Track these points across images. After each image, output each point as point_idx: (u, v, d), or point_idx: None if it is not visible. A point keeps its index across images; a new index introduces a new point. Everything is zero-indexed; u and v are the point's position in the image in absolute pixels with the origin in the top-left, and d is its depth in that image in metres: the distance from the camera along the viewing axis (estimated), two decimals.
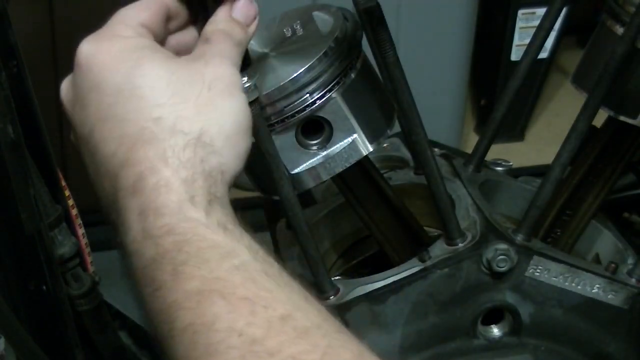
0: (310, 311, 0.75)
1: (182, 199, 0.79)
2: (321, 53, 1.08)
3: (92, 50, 0.89)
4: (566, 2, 1.34)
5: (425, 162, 1.16)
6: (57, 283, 1.10)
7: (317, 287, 1.16)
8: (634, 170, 1.45)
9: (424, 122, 1.15)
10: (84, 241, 1.18)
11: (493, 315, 1.20)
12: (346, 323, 1.16)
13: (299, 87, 1.08)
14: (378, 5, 1.07)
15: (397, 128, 1.27)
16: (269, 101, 1.08)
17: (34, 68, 1.10)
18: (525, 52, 1.33)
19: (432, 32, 2.73)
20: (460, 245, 1.17)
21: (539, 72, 2.97)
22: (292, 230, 1.16)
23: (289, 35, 1.13)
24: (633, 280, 1.20)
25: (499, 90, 2.93)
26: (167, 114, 0.82)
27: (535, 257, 1.17)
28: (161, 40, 0.95)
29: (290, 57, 1.11)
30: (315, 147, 1.11)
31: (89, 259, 1.19)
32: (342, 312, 1.15)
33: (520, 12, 2.90)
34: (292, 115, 1.09)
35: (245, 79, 1.04)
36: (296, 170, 1.11)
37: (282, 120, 1.09)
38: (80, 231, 1.18)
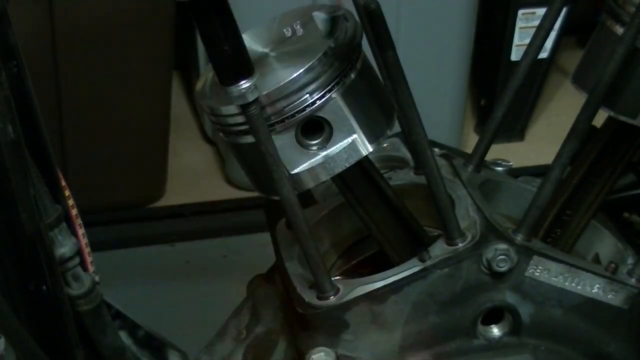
0: None
1: None
2: (321, 53, 1.08)
3: None
4: (566, 2, 1.34)
5: (425, 162, 1.16)
6: (57, 283, 1.10)
7: (317, 287, 1.16)
8: (634, 170, 1.45)
9: (424, 122, 1.15)
10: (84, 241, 1.18)
11: (493, 315, 1.20)
12: (346, 323, 1.16)
13: (299, 87, 1.08)
14: (378, 5, 1.07)
15: (397, 128, 1.27)
16: (269, 101, 1.08)
17: (34, 68, 1.10)
18: (525, 52, 1.33)
19: (432, 32, 2.73)
20: (460, 245, 1.17)
21: (539, 72, 2.97)
22: (292, 230, 1.16)
23: (289, 35, 1.14)
24: (633, 280, 1.20)
25: (499, 90, 2.93)
26: None
27: (535, 257, 1.17)
28: None
29: (290, 57, 1.11)
30: (315, 147, 1.11)
31: (89, 259, 1.19)
32: (342, 312, 1.15)
33: (520, 12, 2.90)
34: (292, 116, 1.09)
35: (245, 80, 1.04)
36: (296, 170, 1.11)
37: (282, 121, 1.09)
38: (80, 231, 1.18)
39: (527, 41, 1.35)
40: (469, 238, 1.18)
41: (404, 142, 1.42)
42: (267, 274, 1.39)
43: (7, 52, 1.05)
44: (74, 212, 1.17)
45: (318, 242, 1.18)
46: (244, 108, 1.06)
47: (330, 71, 1.09)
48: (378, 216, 1.22)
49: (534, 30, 1.35)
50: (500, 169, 1.40)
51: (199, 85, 1.16)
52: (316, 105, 1.09)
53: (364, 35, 1.14)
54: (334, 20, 1.12)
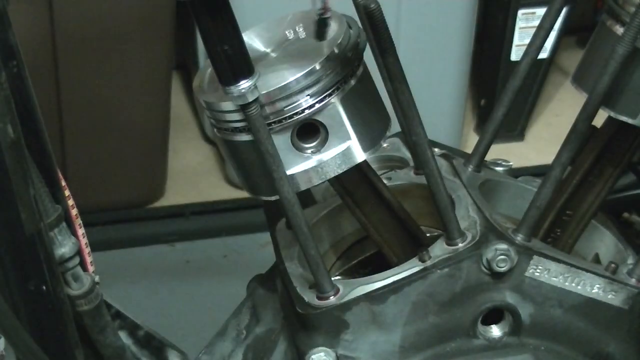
0: None
1: None
2: (324, 57, 1.08)
3: None
4: (566, 2, 1.34)
5: (425, 162, 1.16)
6: (57, 283, 1.10)
7: (317, 287, 1.16)
8: (634, 170, 1.45)
9: (424, 122, 1.15)
10: (84, 241, 1.18)
11: (493, 315, 1.20)
12: (346, 323, 1.16)
13: (300, 88, 1.08)
14: (378, 5, 1.07)
15: (397, 128, 1.27)
16: (268, 101, 1.08)
17: (34, 68, 1.10)
18: (525, 52, 1.33)
19: (432, 32, 2.73)
20: (460, 245, 1.17)
21: (539, 72, 2.97)
22: (292, 230, 1.16)
23: (291, 37, 1.14)
24: (633, 280, 1.20)
25: (499, 90, 2.93)
26: None
27: (535, 257, 1.17)
28: None
29: (291, 59, 1.11)
30: (309, 151, 1.12)
31: (89, 259, 1.19)
32: (342, 312, 1.15)
33: (520, 12, 2.90)
34: (290, 117, 1.09)
35: (245, 80, 1.04)
36: (288, 172, 1.11)
37: (280, 121, 1.09)
38: (80, 231, 1.18)
39: (527, 41, 1.35)
40: (469, 238, 1.18)
41: (404, 142, 1.42)
42: (267, 274, 1.39)
43: (7, 52, 1.05)
44: (74, 212, 1.17)
45: (318, 242, 1.18)
46: (244, 108, 1.06)
47: (331, 76, 1.09)
48: (376, 218, 1.23)
49: (534, 30, 1.35)
50: (500, 169, 1.40)
51: (197, 81, 1.16)
52: (315, 108, 1.09)
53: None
54: (323, 22, 1.12)
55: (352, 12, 1.13)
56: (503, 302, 1.19)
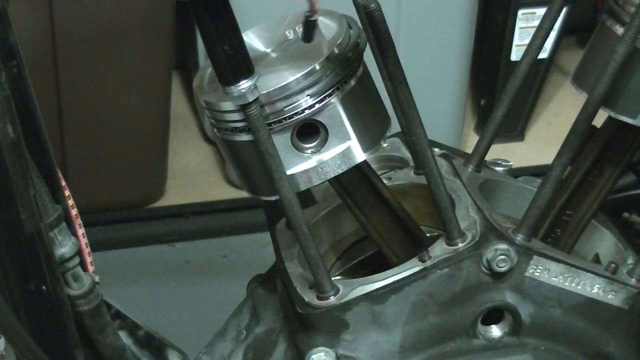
0: None
1: None
2: (324, 57, 1.08)
3: None
4: (566, 2, 1.34)
5: (425, 162, 1.16)
6: (57, 283, 1.10)
7: (317, 287, 1.16)
8: (634, 170, 1.45)
9: (424, 122, 1.15)
10: (84, 241, 1.18)
11: (493, 315, 1.20)
12: (346, 323, 1.16)
13: (300, 89, 1.08)
14: (378, 5, 1.07)
15: (397, 128, 1.27)
16: (269, 100, 1.08)
17: (34, 68, 1.10)
18: (525, 52, 1.33)
19: (432, 32, 2.73)
20: (460, 245, 1.17)
21: (539, 72, 2.97)
22: (292, 230, 1.16)
23: (291, 37, 1.14)
24: (633, 280, 1.20)
25: (499, 90, 2.93)
26: None
27: (535, 257, 1.17)
28: None
29: (292, 59, 1.11)
30: (309, 151, 1.12)
31: (89, 259, 1.19)
32: (342, 312, 1.15)
33: (520, 12, 2.90)
34: (290, 117, 1.09)
35: (245, 80, 1.04)
36: (288, 173, 1.11)
37: (280, 121, 1.09)
38: (80, 231, 1.18)
39: (527, 41, 1.35)
40: (469, 238, 1.18)
41: (404, 142, 1.42)
42: (267, 274, 1.39)
43: (7, 52, 1.05)
44: (74, 212, 1.17)
45: (318, 242, 1.18)
46: (244, 108, 1.06)
47: (331, 76, 1.09)
48: (376, 218, 1.23)
49: (534, 30, 1.35)
50: (500, 169, 1.40)
51: (197, 80, 1.16)
52: (315, 108, 1.09)
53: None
54: (310, 24, 1.12)
55: (352, 12, 1.13)
56: (503, 302, 1.19)
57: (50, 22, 2.49)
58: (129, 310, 1.31)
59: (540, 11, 2.80)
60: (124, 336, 1.28)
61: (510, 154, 2.92)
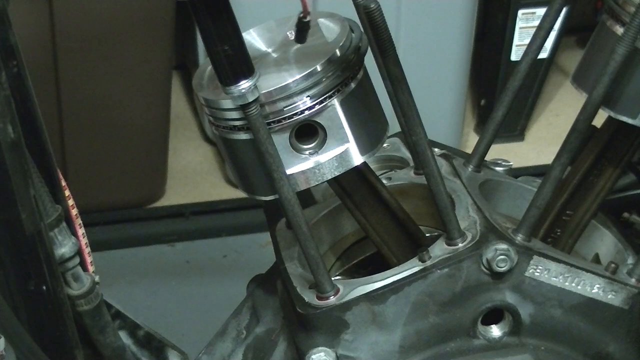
0: None
1: None
2: (326, 59, 1.08)
3: None
4: (566, 2, 1.34)
5: (425, 162, 1.16)
6: (57, 283, 1.10)
7: (317, 287, 1.16)
8: (634, 170, 1.45)
9: (424, 122, 1.15)
10: (84, 241, 1.18)
11: (493, 315, 1.20)
12: (346, 323, 1.16)
13: (300, 89, 1.08)
14: (378, 5, 1.07)
15: (397, 128, 1.27)
16: (269, 100, 1.08)
17: (34, 68, 1.10)
18: (525, 52, 1.33)
19: (432, 32, 2.73)
20: (460, 245, 1.17)
21: (539, 72, 2.97)
22: (292, 230, 1.16)
23: (292, 38, 1.14)
24: (633, 280, 1.20)
25: (499, 90, 2.93)
26: None
27: (535, 257, 1.17)
28: None
29: (292, 60, 1.11)
30: (307, 152, 1.12)
31: (89, 259, 1.19)
32: (342, 312, 1.15)
33: (520, 12, 2.90)
34: (290, 117, 1.09)
35: (245, 80, 1.04)
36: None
37: (279, 121, 1.10)
38: (80, 231, 1.18)
39: (527, 41, 1.35)
40: (469, 238, 1.18)
41: (404, 142, 1.42)
42: (267, 274, 1.39)
43: (7, 52, 1.05)
44: (74, 212, 1.17)
45: (318, 242, 1.18)
46: (244, 108, 1.06)
47: (332, 78, 1.09)
48: (375, 219, 1.23)
49: (534, 30, 1.35)
50: (500, 169, 1.40)
51: (196, 78, 1.16)
52: (314, 109, 1.09)
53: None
54: (303, 25, 1.12)
55: (352, 12, 1.13)
56: (503, 302, 1.19)
57: (50, 22, 2.49)
58: (129, 310, 1.31)
59: (540, 11, 2.80)
60: (124, 336, 1.28)
61: (510, 154, 2.92)
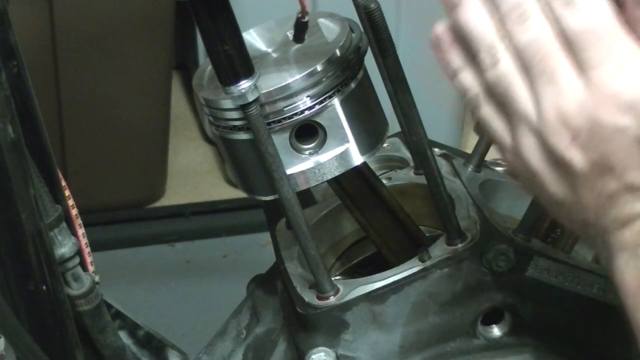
0: None
1: None
2: (326, 59, 1.08)
3: None
4: None
5: (425, 162, 1.16)
6: (57, 283, 1.10)
7: (317, 287, 1.16)
8: None
9: (424, 122, 1.15)
10: (84, 241, 1.18)
11: (493, 315, 1.20)
12: (346, 323, 1.16)
13: (300, 89, 1.08)
14: (378, 4, 1.07)
15: (397, 128, 1.27)
16: (269, 100, 1.08)
17: (34, 68, 1.10)
18: None
19: None
20: (460, 245, 1.17)
21: None
22: (292, 230, 1.16)
23: (292, 38, 1.14)
24: None
25: None
26: None
27: (535, 257, 1.17)
28: None
29: (292, 60, 1.11)
30: (307, 152, 1.12)
31: (89, 259, 1.19)
32: (342, 312, 1.15)
33: None
34: (290, 117, 1.09)
35: (245, 80, 1.04)
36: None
37: (279, 121, 1.09)
38: (80, 231, 1.18)
39: None
40: (469, 238, 1.18)
41: (404, 142, 1.42)
42: (267, 274, 1.39)
43: (7, 52, 1.05)
44: (74, 212, 1.17)
45: (318, 242, 1.18)
46: (244, 108, 1.06)
47: (332, 78, 1.09)
48: (375, 219, 1.23)
49: None
50: (500, 169, 1.40)
51: (196, 78, 1.16)
52: (314, 109, 1.09)
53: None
54: (302, 25, 1.12)
55: (352, 12, 1.13)
56: (503, 302, 1.19)
57: (50, 22, 2.49)
58: (129, 310, 1.31)
59: None
60: (124, 336, 1.28)
61: None
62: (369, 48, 1.15)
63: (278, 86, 1.08)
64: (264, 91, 1.07)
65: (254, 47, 1.14)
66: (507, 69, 0.86)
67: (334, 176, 1.13)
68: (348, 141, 1.12)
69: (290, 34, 1.14)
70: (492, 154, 1.38)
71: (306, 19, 1.11)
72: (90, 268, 1.19)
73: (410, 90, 1.13)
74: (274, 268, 1.34)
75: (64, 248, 1.12)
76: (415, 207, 1.31)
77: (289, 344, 1.27)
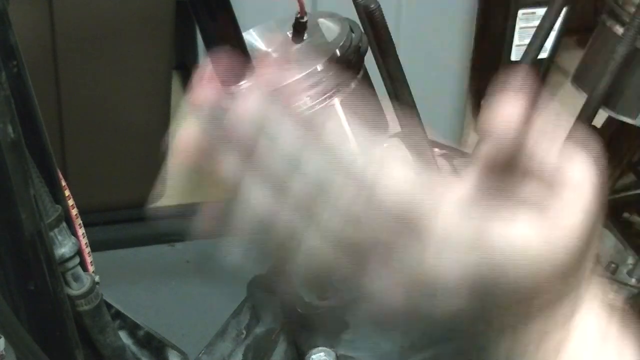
0: None
1: None
2: (326, 59, 1.08)
3: None
4: (566, 2, 1.34)
5: (425, 162, 1.16)
6: (57, 283, 1.10)
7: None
8: (634, 170, 1.45)
9: (424, 122, 1.15)
10: (84, 241, 1.18)
11: None
12: (346, 323, 1.16)
13: (301, 89, 1.08)
14: (378, 5, 1.07)
15: (397, 128, 1.27)
16: None
17: (34, 68, 1.10)
18: (525, 52, 1.33)
19: (432, 32, 2.73)
20: None
21: (539, 72, 2.97)
22: None
23: (292, 38, 1.14)
24: (633, 280, 1.20)
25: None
26: None
27: None
28: None
29: (292, 60, 1.11)
30: None
31: (89, 259, 1.19)
32: (342, 312, 1.15)
33: (520, 12, 2.90)
34: None
35: (245, 80, 1.04)
36: None
37: None
38: (80, 231, 1.18)
39: (527, 41, 1.35)
40: None
41: (404, 142, 1.42)
42: (267, 274, 1.39)
43: (7, 52, 1.05)
44: (74, 212, 1.17)
45: None
46: None
47: (333, 78, 1.09)
48: None
49: (534, 30, 1.35)
50: None
51: (196, 77, 1.15)
52: (314, 110, 1.09)
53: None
54: (300, 25, 1.12)
55: (352, 12, 1.13)
56: None
57: (50, 22, 2.49)
58: (129, 310, 1.31)
59: (540, 11, 2.80)
60: (124, 336, 1.28)
61: None
62: (369, 48, 1.15)
63: (279, 86, 1.08)
64: None
65: (254, 47, 1.14)
66: None
67: None
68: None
69: (290, 34, 1.14)
70: None
71: (305, 19, 1.11)
72: (90, 268, 1.19)
73: (410, 90, 1.13)
74: (274, 268, 1.34)
75: (64, 248, 1.12)
76: None
77: (289, 344, 1.27)
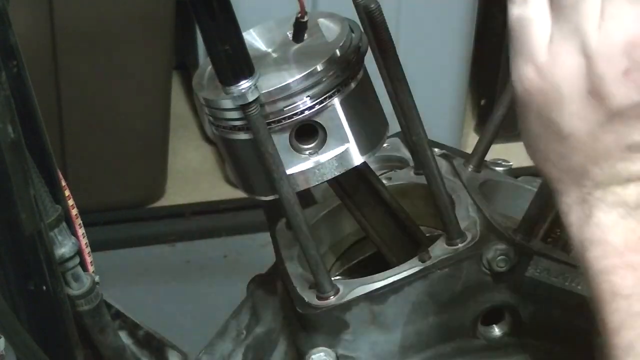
0: None
1: None
2: (326, 59, 1.08)
3: None
4: None
5: (425, 162, 1.16)
6: (57, 283, 1.10)
7: (317, 287, 1.16)
8: None
9: (424, 122, 1.15)
10: (84, 241, 1.18)
11: (493, 315, 1.20)
12: (346, 323, 1.16)
13: (300, 89, 1.08)
14: (378, 4, 1.07)
15: (397, 128, 1.27)
16: (269, 100, 1.08)
17: (34, 68, 1.10)
18: None
19: (432, 33, 2.73)
20: (460, 245, 1.17)
21: None
22: (292, 230, 1.16)
23: (292, 38, 1.14)
24: None
25: (499, 90, 2.93)
26: None
27: (535, 257, 1.17)
28: None
29: (292, 60, 1.11)
30: (307, 152, 1.12)
31: (89, 259, 1.19)
32: (342, 312, 1.15)
33: None
34: (290, 117, 1.09)
35: (245, 80, 1.04)
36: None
37: (279, 121, 1.10)
38: (80, 231, 1.18)
39: None
40: (469, 238, 1.18)
41: (404, 142, 1.42)
42: (267, 274, 1.39)
43: (7, 52, 1.05)
44: (74, 212, 1.17)
45: (318, 242, 1.18)
46: (244, 108, 1.06)
47: (332, 78, 1.09)
48: (375, 219, 1.23)
49: None
50: (500, 169, 1.40)
51: (196, 78, 1.16)
52: (314, 109, 1.09)
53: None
54: (301, 25, 1.12)
55: (352, 12, 1.13)
56: (503, 302, 1.19)
57: (50, 22, 2.49)
58: (129, 310, 1.31)
59: None
60: (124, 336, 1.28)
61: (510, 154, 2.92)
62: (369, 48, 1.15)
63: (278, 86, 1.08)
64: (264, 91, 1.07)
65: (254, 47, 1.14)
66: None
67: (334, 176, 1.13)
68: (348, 141, 1.12)
69: (290, 34, 1.15)
70: (492, 154, 1.39)
71: (305, 19, 1.11)
72: (90, 268, 1.19)
73: (410, 90, 1.13)
74: (274, 268, 1.34)
75: (64, 248, 1.12)
76: (415, 207, 1.31)
77: (289, 344, 1.27)
